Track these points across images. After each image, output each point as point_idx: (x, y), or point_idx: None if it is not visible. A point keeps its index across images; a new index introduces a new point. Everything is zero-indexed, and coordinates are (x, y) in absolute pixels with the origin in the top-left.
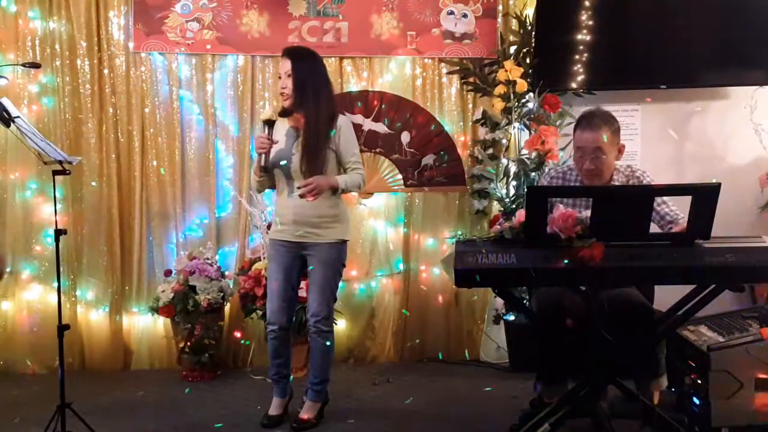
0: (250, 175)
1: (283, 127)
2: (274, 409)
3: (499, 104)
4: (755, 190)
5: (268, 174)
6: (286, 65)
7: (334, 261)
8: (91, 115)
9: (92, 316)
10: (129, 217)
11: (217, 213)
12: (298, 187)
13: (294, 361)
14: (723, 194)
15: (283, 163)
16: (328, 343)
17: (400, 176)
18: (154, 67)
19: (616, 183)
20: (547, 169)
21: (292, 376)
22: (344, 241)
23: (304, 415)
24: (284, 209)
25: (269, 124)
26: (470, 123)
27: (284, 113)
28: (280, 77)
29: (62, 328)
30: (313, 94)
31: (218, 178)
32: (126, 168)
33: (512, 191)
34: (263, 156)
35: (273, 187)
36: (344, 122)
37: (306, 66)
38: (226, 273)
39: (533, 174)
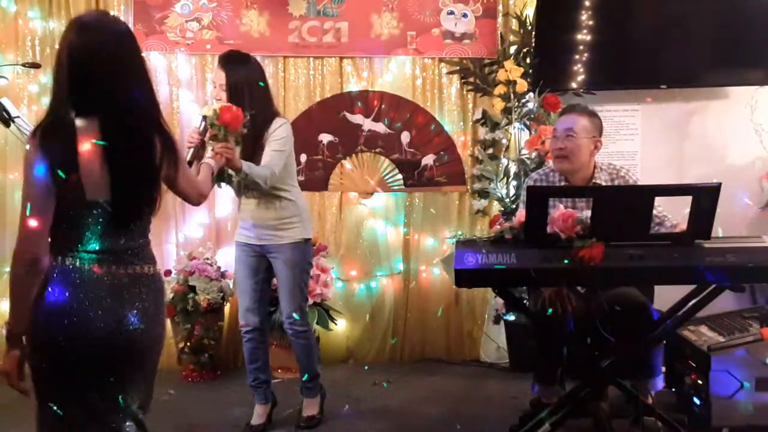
0: None
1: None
2: (256, 418)
3: (499, 104)
4: (755, 190)
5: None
6: (221, 76)
7: (300, 261)
8: None
9: None
10: None
11: (217, 213)
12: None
13: (288, 361)
14: (723, 194)
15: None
16: (308, 342)
17: (400, 176)
18: (154, 67)
19: (599, 181)
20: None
21: (286, 378)
22: (307, 240)
23: (307, 413)
24: (244, 213)
25: (206, 120)
26: (470, 123)
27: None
28: (214, 86)
29: None
30: (249, 101)
31: None
32: None
33: (512, 191)
34: (192, 151)
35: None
36: (280, 124)
37: (240, 73)
38: (226, 273)
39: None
